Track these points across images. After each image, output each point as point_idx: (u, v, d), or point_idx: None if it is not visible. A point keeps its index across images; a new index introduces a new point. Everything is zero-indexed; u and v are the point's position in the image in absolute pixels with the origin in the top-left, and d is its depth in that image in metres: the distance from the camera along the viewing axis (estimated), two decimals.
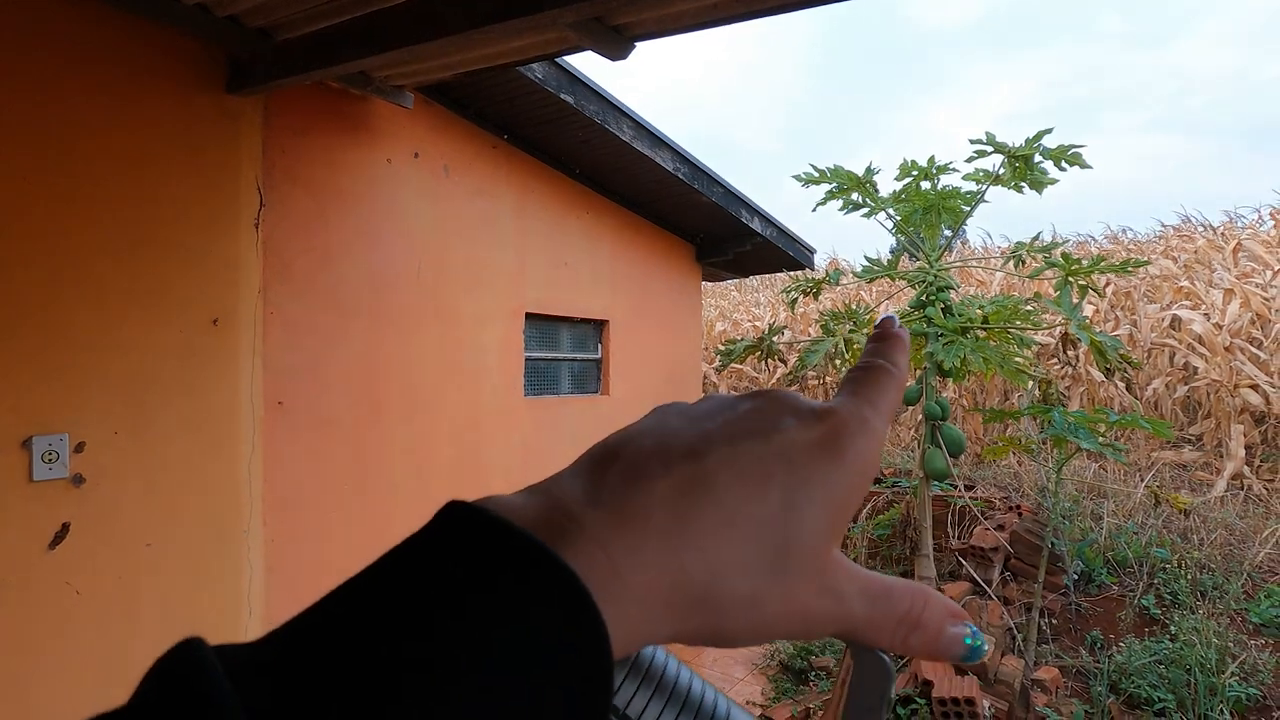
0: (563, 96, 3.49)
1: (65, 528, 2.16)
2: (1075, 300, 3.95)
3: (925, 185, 4.57)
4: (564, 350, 4.58)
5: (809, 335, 10.63)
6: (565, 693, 0.20)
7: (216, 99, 2.54)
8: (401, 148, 3.40)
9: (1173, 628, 4.27)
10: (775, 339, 4.89)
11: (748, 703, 4.21)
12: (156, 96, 2.38)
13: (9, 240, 2.06)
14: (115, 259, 2.28)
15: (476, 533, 0.22)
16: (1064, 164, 4.01)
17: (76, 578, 2.18)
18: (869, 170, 4.51)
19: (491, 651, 0.19)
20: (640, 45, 2.26)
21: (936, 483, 4.64)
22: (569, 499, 0.25)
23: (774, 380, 11.01)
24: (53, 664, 2.13)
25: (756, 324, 12.18)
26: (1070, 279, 3.99)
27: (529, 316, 4.16)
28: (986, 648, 0.29)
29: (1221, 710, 3.55)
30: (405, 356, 3.39)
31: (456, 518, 0.23)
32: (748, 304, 15.98)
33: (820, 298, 6.12)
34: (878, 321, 0.35)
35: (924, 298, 4.63)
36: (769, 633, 0.25)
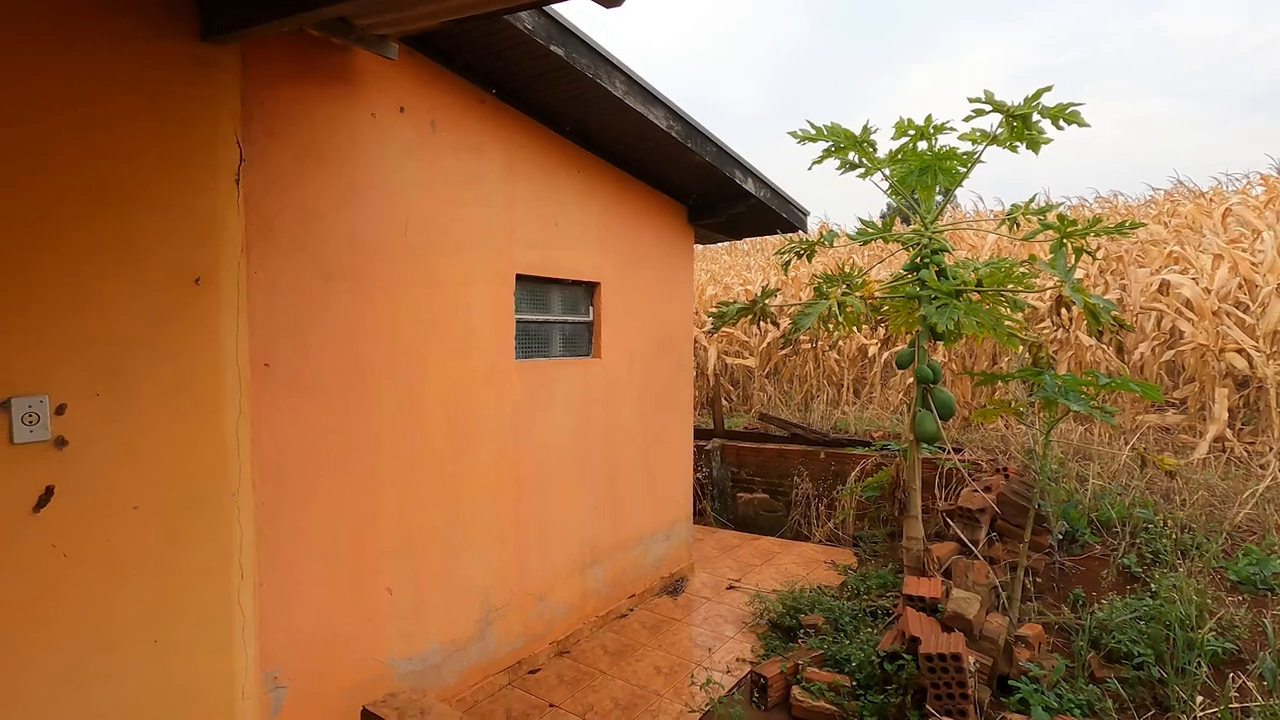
0: (553, 49, 3.37)
1: (49, 490, 2.12)
2: (1070, 263, 3.92)
3: (922, 145, 4.50)
4: (555, 313, 4.52)
5: (801, 299, 10.59)
6: None
7: (190, 46, 2.42)
8: (386, 102, 3.28)
9: (1153, 585, 4.36)
10: (768, 302, 4.85)
11: (738, 659, 4.30)
12: (122, 41, 2.27)
13: None
14: (89, 216, 2.19)
15: None
16: (1062, 122, 3.95)
17: (63, 541, 2.15)
18: (866, 129, 4.43)
19: None
20: None
21: (926, 445, 4.67)
22: None
23: (765, 343, 11.00)
24: (41, 627, 2.11)
25: (748, 288, 12.12)
26: (1066, 241, 3.97)
27: (519, 279, 4.09)
28: None
29: (1198, 663, 3.64)
30: (393, 319, 3.32)
31: None
32: (739, 268, 15.88)
33: (813, 260, 6.06)
34: None
35: (918, 260, 4.59)
36: None
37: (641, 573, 5.28)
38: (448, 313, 3.61)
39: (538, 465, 4.24)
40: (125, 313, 2.28)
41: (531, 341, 4.31)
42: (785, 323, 8.78)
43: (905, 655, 3.47)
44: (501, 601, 3.98)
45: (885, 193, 4.95)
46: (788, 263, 4.88)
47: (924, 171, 4.56)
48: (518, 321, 4.10)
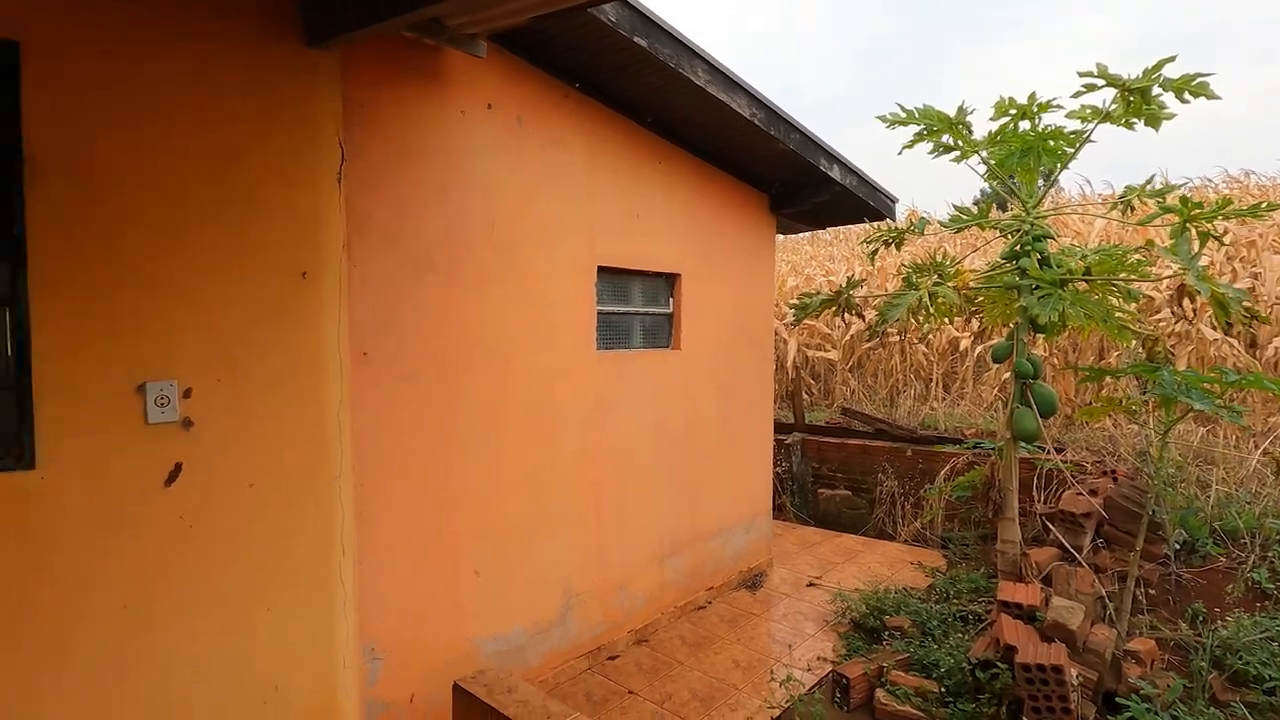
0: (636, 40, 3.37)
1: (178, 467, 2.31)
2: (1193, 249, 3.59)
3: (1024, 125, 4.22)
4: (635, 304, 4.55)
5: (887, 289, 10.20)
6: None
7: (296, 53, 2.57)
8: (474, 99, 3.38)
9: None
10: (853, 293, 4.70)
11: (818, 658, 4.21)
12: (237, 52, 2.43)
13: (112, 201, 2.17)
14: (208, 215, 2.37)
15: None
16: (1188, 95, 3.61)
17: (189, 513, 2.34)
18: (962, 110, 4.20)
19: None
20: None
21: (1024, 444, 4.41)
22: None
23: (848, 336, 10.69)
24: (167, 592, 2.31)
25: (831, 278, 11.79)
26: (1189, 225, 3.63)
27: (601, 270, 4.13)
28: None
29: None
30: (480, 310, 3.43)
31: None
32: (821, 258, 15.48)
33: (900, 250, 5.81)
34: None
35: (1018, 248, 4.32)
36: None
37: (720, 566, 5.25)
38: (532, 304, 3.69)
39: (617, 455, 4.28)
40: (241, 305, 2.45)
41: (612, 333, 4.35)
42: (871, 314, 8.49)
43: (1000, 664, 3.30)
44: (582, 588, 4.06)
45: (982, 177, 4.69)
46: (874, 252, 4.72)
47: (1026, 153, 4.29)
48: (599, 313, 4.14)
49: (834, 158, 5.02)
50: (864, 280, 5.30)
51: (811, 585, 5.46)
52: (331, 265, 2.71)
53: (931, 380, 9.89)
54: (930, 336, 9.96)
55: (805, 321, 9.71)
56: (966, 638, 4.07)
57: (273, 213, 2.53)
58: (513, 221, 3.58)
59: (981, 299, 4.84)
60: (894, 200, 5.79)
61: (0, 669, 1.99)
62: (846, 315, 5.05)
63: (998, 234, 4.65)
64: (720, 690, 3.85)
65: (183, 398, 2.32)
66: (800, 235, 17.06)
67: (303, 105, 2.61)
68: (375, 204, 2.99)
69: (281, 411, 2.56)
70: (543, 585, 3.83)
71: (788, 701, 3.68)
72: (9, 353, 2.04)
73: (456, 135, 3.32)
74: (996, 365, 8.50)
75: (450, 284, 3.30)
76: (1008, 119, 4.21)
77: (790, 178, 5.20)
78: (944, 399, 9.65)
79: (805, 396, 10.83)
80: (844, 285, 4.62)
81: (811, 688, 3.86)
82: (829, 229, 11.48)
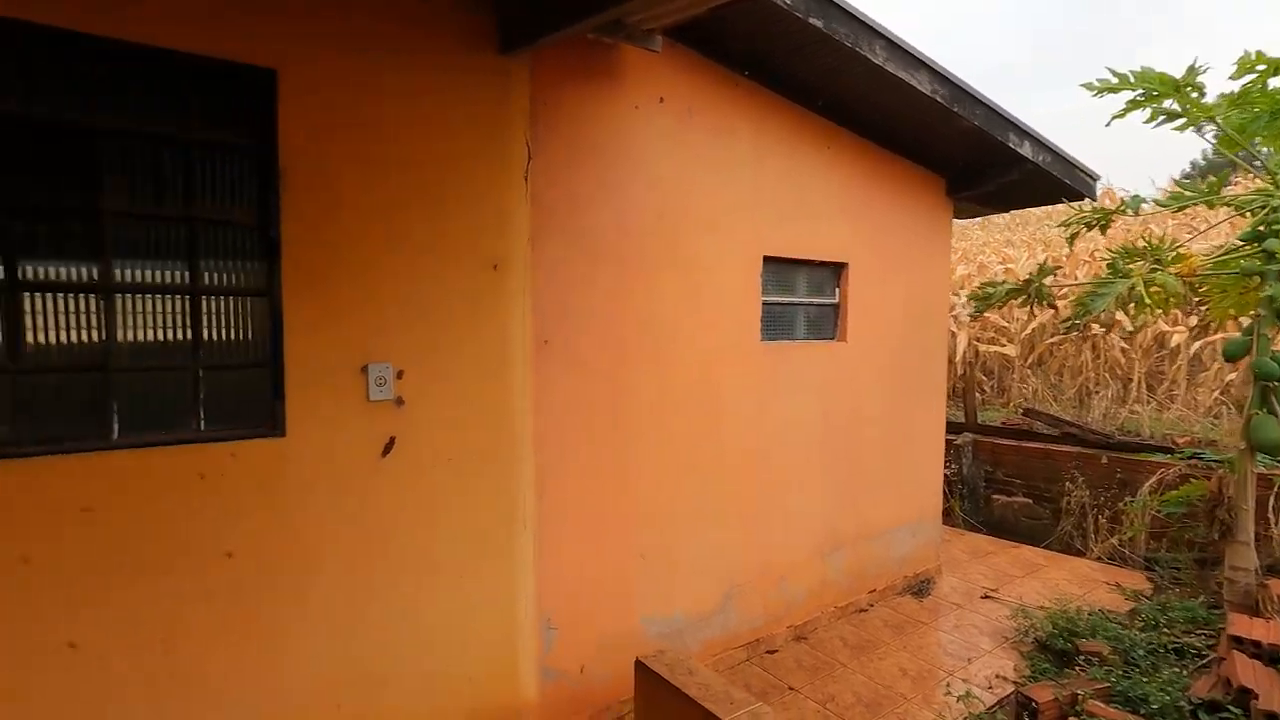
0: (811, 21, 3.27)
1: (392, 441, 2.59)
2: None
3: (1275, 83, 3.59)
4: (800, 294, 4.43)
5: (1077, 277, 9.14)
6: None
7: (493, 60, 2.76)
8: (647, 93, 3.45)
9: None
10: (1045, 281, 4.27)
11: (998, 676, 3.89)
12: (443, 62, 2.65)
13: (345, 206, 2.46)
14: (415, 212, 2.62)
15: None
16: None
17: (400, 483, 2.62)
18: (1193, 69, 3.65)
19: None
20: None
21: (1264, 457, 3.78)
22: None
23: (1028, 329, 9.73)
24: (382, 552, 2.59)
25: (1009, 266, 10.78)
26: None
27: (766, 260, 4.07)
28: None
29: None
30: (650, 299, 3.51)
31: None
32: (995, 244, 14.24)
33: (1105, 233, 5.19)
34: None
35: (1262, 227, 3.69)
36: None
37: (883, 568, 5.02)
38: (698, 293, 3.72)
39: (780, 448, 4.21)
40: (442, 295, 2.69)
41: (776, 323, 4.27)
42: (1064, 306, 7.63)
43: (1232, 708, 2.87)
44: (742, 579, 4.05)
45: (1214, 145, 4.06)
46: (1074, 235, 4.25)
47: (1277, 115, 3.65)
48: (763, 303, 4.09)
49: (1025, 133, 4.57)
50: (1059, 267, 4.78)
51: (987, 598, 5.06)
52: (519, 257, 2.90)
53: (1132, 380, 8.76)
54: (1136, 331, 8.81)
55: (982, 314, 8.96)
56: (1184, 673, 3.57)
57: (470, 210, 2.75)
58: (680, 212, 3.63)
59: (1206, 288, 4.20)
60: (1095, 178, 5.17)
61: (259, 601, 2.35)
62: (1036, 306, 4.60)
63: (1228, 213, 4.01)
64: (887, 698, 3.68)
65: (396, 378, 2.59)
66: (971, 220, 15.76)
67: (497, 110, 2.80)
68: (555, 198, 3.15)
69: (474, 393, 2.79)
70: (704, 573, 3.87)
71: (965, 719, 3.44)
72: (267, 337, 2.39)
73: (629, 129, 3.41)
74: (1230, 363, 7.33)
75: (621, 274, 3.41)
76: (1253, 76, 3.60)
77: (974, 157, 4.81)
78: (1148, 402, 8.51)
79: (978, 394, 10.02)
80: (1034, 273, 4.21)
81: (992, 707, 3.58)
82: (1020, 209, 10.50)
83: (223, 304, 2.34)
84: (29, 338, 2.06)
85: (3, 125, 1.98)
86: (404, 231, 2.59)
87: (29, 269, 2.04)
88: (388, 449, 2.59)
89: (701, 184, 3.71)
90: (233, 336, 2.35)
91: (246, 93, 2.31)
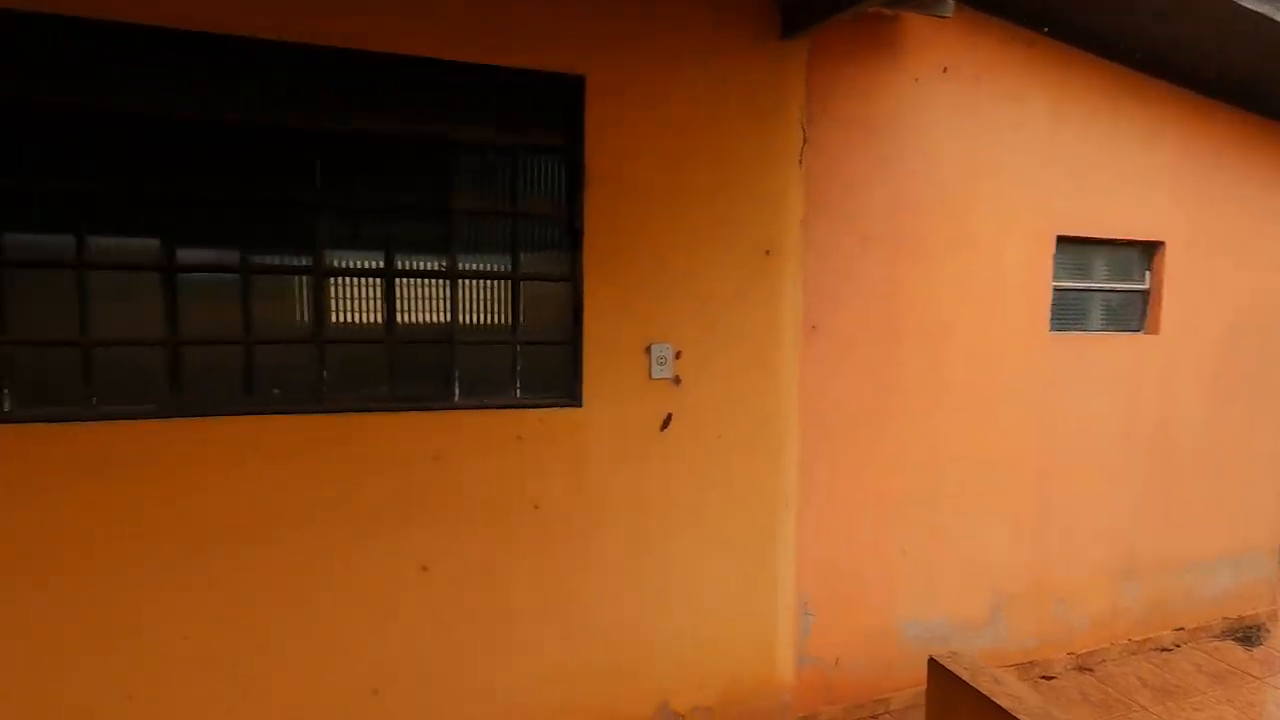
0: None
1: (669, 417, 2.77)
2: None
3: None
4: (1098, 279, 3.87)
5: None
6: None
7: (774, 46, 2.79)
8: (929, 63, 3.23)
9: None
10: None
11: None
12: (727, 51, 2.73)
13: (636, 196, 2.66)
14: (696, 200, 2.74)
15: None
16: None
17: (674, 456, 2.79)
18: None
19: None
20: None
21: None
22: None
23: None
24: (657, 520, 2.79)
25: None
26: None
27: (1060, 240, 3.61)
28: None
29: None
30: (924, 281, 3.31)
31: None
32: None
33: None
34: None
35: None
36: None
37: (1194, 604, 4.23)
38: (979, 275, 3.42)
39: (1066, 450, 3.73)
40: (718, 279, 2.79)
41: (1068, 311, 3.77)
42: None
43: None
44: (1013, 590, 3.68)
45: None
46: None
47: None
48: (1054, 289, 3.63)
49: None
50: None
51: None
52: (791, 242, 2.91)
53: None
54: None
55: None
56: None
57: (747, 196, 2.82)
58: (962, 188, 3.35)
59: None
60: None
61: (555, 548, 2.67)
62: None
63: None
64: None
65: (675, 358, 2.76)
66: None
67: (775, 95, 2.83)
68: (827, 180, 3.10)
69: (744, 375, 2.87)
70: (969, 578, 3.58)
71: None
72: (569, 318, 2.68)
73: (908, 104, 3.22)
74: None
75: (893, 255, 3.25)
76: None
77: None
78: None
79: None
80: None
81: None
82: None
83: (535, 289, 2.67)
84: (399, 317, 2.54)
85: (387, 142, 2.45)
86: (686, 219, 2.74)
87: (399, 261, 2.51)
88: (665, 424, 2.77)
89: (987, 158, 3.39)
90: (542, 318, 2.68)
91: (560, 99, 2.59)
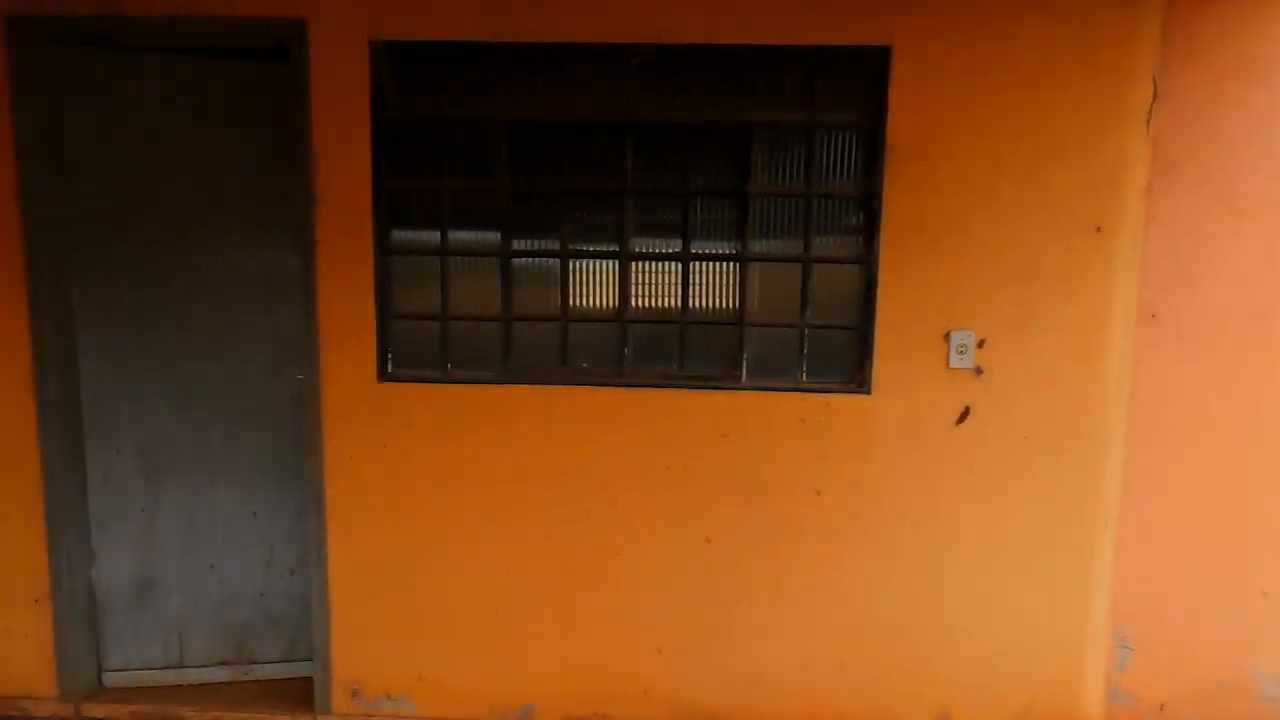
0: None
1: (967, 410, 2.56)
2: None
3: None
4: None
5: None
6: None
7: None
8: None
9: None
10: None
11: None
12: (1064, 3, 2.39)
13: (942, 171, 2.46)
14: (1016, 173, 2.46)
15: None
16: None
17: (970, 453, 2.57)
18: None
19: None
20: None
21: None
22: None
23: None
24: (946, 516, 2.60)
25: None
26: None
27: None
28: None
29: None
30: None
31: None
32: None
33: None
34: None
35: None
36: None
37: None
38: None
39: None
40: (1033, 260, 2.49)
41: None
42: None
43: None
44: None
45: None
46: None
47: None
48: None
49: None
50: None
51: None
52: (1129, 217, 2.49)
53: None
54: None
55: None
56: None
57: (1073, 166, 2.46)
58: None
59: None
60: None
61: (835, 535, 2.62)
62: None
63: None
64: None
65: (976, 347, 2.53)
66: None
67: (1118, 42, 2.42)
68: (1184, 142, 2.58)
69: (1060, 370, 2.54)
70: None
71: None
72: (859, 302, 2.59)
73: None
74: None
75: (1271, 233, 2.62)
76: None
77: None
78: None
79: None
80: None
81: None
82: None
83: (826, 272, 2.61)
84: (691, 301, 2.65)
85: (690, 131, 2.56)
86: (997, 194, 2.48)
87: (694, 245, 2.62)
88: (963, 417, 2.56)
89: None
90: (832, 301, 2.62)
91: (861, 73, 2.48)
